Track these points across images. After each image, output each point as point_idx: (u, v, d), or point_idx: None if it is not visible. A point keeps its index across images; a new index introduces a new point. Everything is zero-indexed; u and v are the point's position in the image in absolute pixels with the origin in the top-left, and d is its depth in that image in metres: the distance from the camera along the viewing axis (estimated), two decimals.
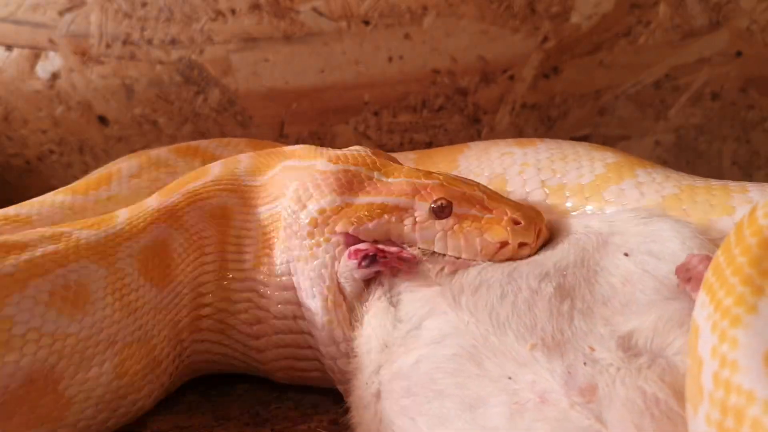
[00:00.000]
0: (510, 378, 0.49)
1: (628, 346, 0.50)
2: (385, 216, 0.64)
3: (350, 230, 0.64)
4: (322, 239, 0.64)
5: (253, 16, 1.01)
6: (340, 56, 1.03)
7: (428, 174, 0.67)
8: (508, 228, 0.62)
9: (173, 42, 1.02)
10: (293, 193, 0.66)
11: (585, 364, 0.48)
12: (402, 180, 0.66)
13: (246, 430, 0.66)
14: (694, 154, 1.11)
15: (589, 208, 0.71)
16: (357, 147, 0.73)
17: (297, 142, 1.10)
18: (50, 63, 1.04)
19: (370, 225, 0.64)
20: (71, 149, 1.11)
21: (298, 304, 0.65)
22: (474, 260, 0.62)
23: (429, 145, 1.09)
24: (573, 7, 1.01)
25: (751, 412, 0.35)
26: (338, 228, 0.64)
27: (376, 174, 0.67)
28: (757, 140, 1.11)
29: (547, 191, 0.73)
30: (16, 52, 1.04)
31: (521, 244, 0.62)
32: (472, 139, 1.09)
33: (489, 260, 0.62)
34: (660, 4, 1.01)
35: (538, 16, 1.01)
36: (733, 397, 0.36)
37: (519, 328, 0.53)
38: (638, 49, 1.04)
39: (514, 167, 0.76)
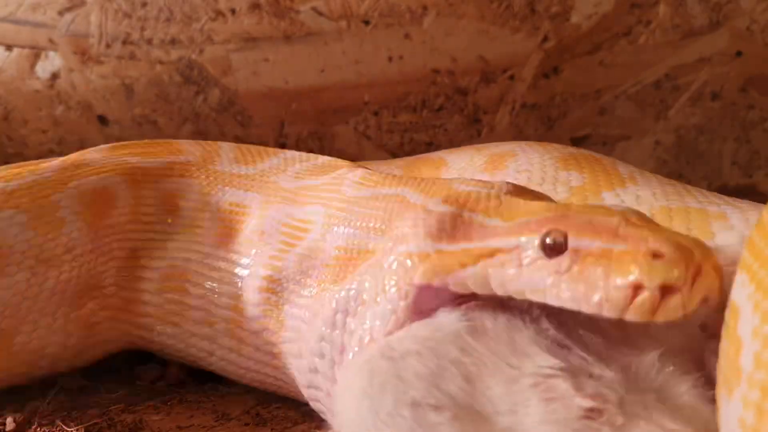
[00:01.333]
0: None
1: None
2: (481, 261, 0.50)
3: (434, 282, 0.51)
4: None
5: (253, 16, 1.01)
6: (340, 56, 1.03)
7: (560, 207, 0.52)
8: (644, 261, 0.42)
9: (173, 42, 1.02)
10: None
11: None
12: (517, 221, 0.51)
13: (246, 429, 0.66)
14: (694, 154, 1.12)
15: None
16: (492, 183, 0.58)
17: (297, 142, 1.10)
18: (50, 63, 1.04)
19: (462, 274, 0.50)
20: (71, 149, 1.10)
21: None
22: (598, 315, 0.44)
23: (429, 144, 1.09)
24: (573, 6, 1.01)
25: None
26: (416, 278, 0.52)
27: (484, 218, 0.52)
28: (757, 140, 1.11)
29: None
30: (16, 52, 1.04)
31: (665, 289, 0.42)
32: (472, 138, 1.09)
33: (619, 317, 0.43)
34: (660, 4, 1.01)
35: (538, 16, 1.01)
36: None
37: None
38: (638, 49, 1.04)
39: None
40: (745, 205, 0.63)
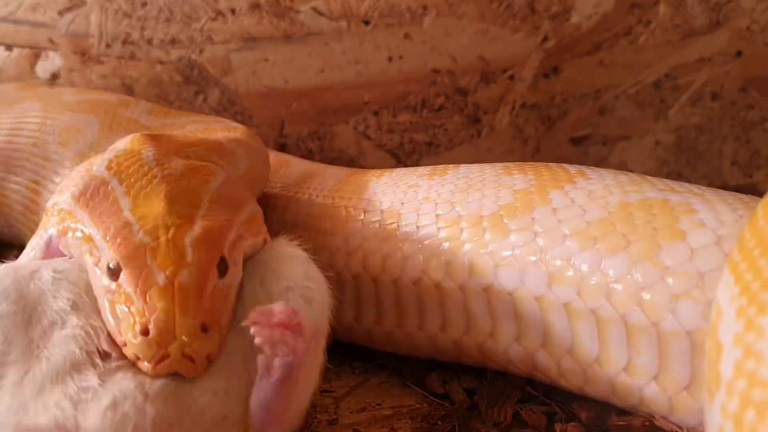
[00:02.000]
0: None
1: None
2: (85, 245, 0.56)
3: (54, 236, 0.59)
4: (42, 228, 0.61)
5: (253, 16, 1.01)
6: (340, 56, 1.03)
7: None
8: (132, 332, 0.50)
9: (173, 42, 1.02)
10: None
11: None
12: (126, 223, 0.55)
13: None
14: (694, 154, 1.11)
15: (488, 236, 0.65)
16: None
17: (297, 142, 1.10)
18: (50, 63, 1.04)
19: (67, 242, 0.58)
20: None
21: None
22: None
23: (429, 144, 1.09)
24: (573, 6, 1.01)
25: None
26: (50, 229, 0.60)
27: (124, 199, 0.58)
28: (757, 140, 1.11)
29: (442, 224, 0.69)
30: (16, 51, 1.04)
31: (137, 358, 0.50)
32: (472, 138, 1.09)
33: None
34: (660, 4, 1.01)
35: (538, 15, 1.01)
36: (758, 391, 0.33)
37: None
38: (638, 49, 1.04)
39: (413, 203, 0.72)
40: (708, 193, 0.61)
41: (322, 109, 1.07)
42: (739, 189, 1.11)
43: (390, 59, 1.03)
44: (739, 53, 1.04)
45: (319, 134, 1.09)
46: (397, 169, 0.82)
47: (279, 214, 0.82)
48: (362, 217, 0.74)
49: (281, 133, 1.09)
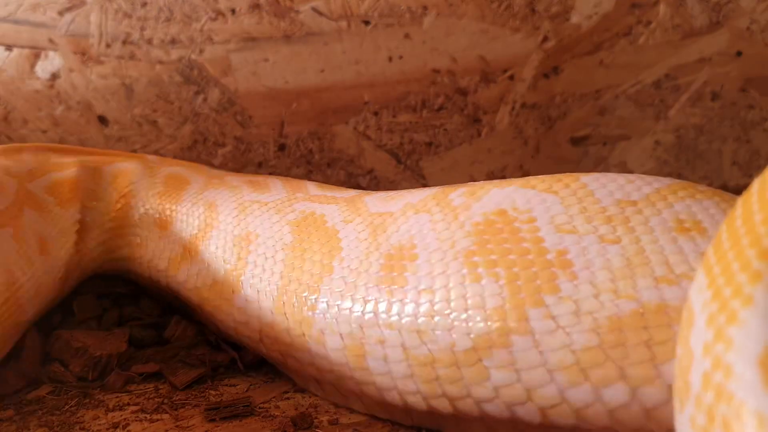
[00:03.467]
0: None
1: None
2: None
3: None
4: None
5: (253, 16, 1.01)
6: (340, 56, 1.03)
7: None
8: None
9: (173, 42, 1.02)
10: None
11: None
12: None
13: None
14: (694, 154, 1.11)
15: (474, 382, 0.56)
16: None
17: (297, 142, 1.10)
18: (50, 63, 1.04)
19: None
20: None
21: None
22: None
23: (429, 144, 1.09)
24: (573, 6, 1.01)
25: (741, 424, 0.30)
26: None
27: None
28: (757, 140, 1.11)
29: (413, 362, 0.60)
30: (15, 51, 1.04)
31: None
32: (472, 138, 1.09)
33: None
34: (660, 4, 1.01)
35: (538, 16, 1.01)
36: (724, 406, 0.32)
37: None
38: (638, 49, 1.04)
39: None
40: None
41: (322, 109, 1.07)
42: (739, 189, 1.11)
43: (390, 59, 1.03)
44: (739, 53, 1.04)
45: (319, 134, 1.09)
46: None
47: None
48: None
49: (281, 133, 1.09)
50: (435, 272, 0.59)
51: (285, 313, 0.67)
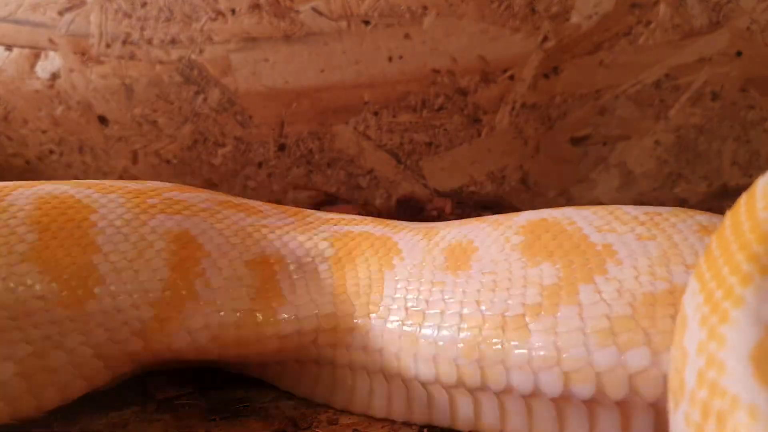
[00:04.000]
0: None
1: None
2: None
3: None
4: None
5: (253, 16, 1.01)
6: (340, 56, 1.03)
7: None
8: None
9: (173, 42, 1.02)
10: None
11: None
12: None
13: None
14: (694, 154, 1.11)
15: (514, 343, 0.59)
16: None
17: (297, 142, 1.10)
18: (50, 63, 1.04)
19: None
20: (71, 149, 1.11)
21: None
22: None
23: (429, 144, 1.09)
24: (573, 6, 1.01)
25: (735, 418, 0.31)
26: None
27: None
28: (757, 140, 1.11)
29: (465, 325, 0.63)
30: (15, 51, 1.04)
31: None
32: (472, 138, 1.09)
33: None
34: (660, 4, 1.01)
35: (538, 16, 1.01)
36: (718, 401, 0.33)
37: None
38: (638, 49, 1.04)
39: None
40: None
41: (322, 109, 1.07)
42: (738, 189, 1.11)
43: (390, 59, 1.03)
44: (739, 53, 1.04)
45: (319, 134, 1.09)
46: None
47: None
48: None
49: (281, 133, 1.09)
50: (498, 259, 0.66)
51: None
